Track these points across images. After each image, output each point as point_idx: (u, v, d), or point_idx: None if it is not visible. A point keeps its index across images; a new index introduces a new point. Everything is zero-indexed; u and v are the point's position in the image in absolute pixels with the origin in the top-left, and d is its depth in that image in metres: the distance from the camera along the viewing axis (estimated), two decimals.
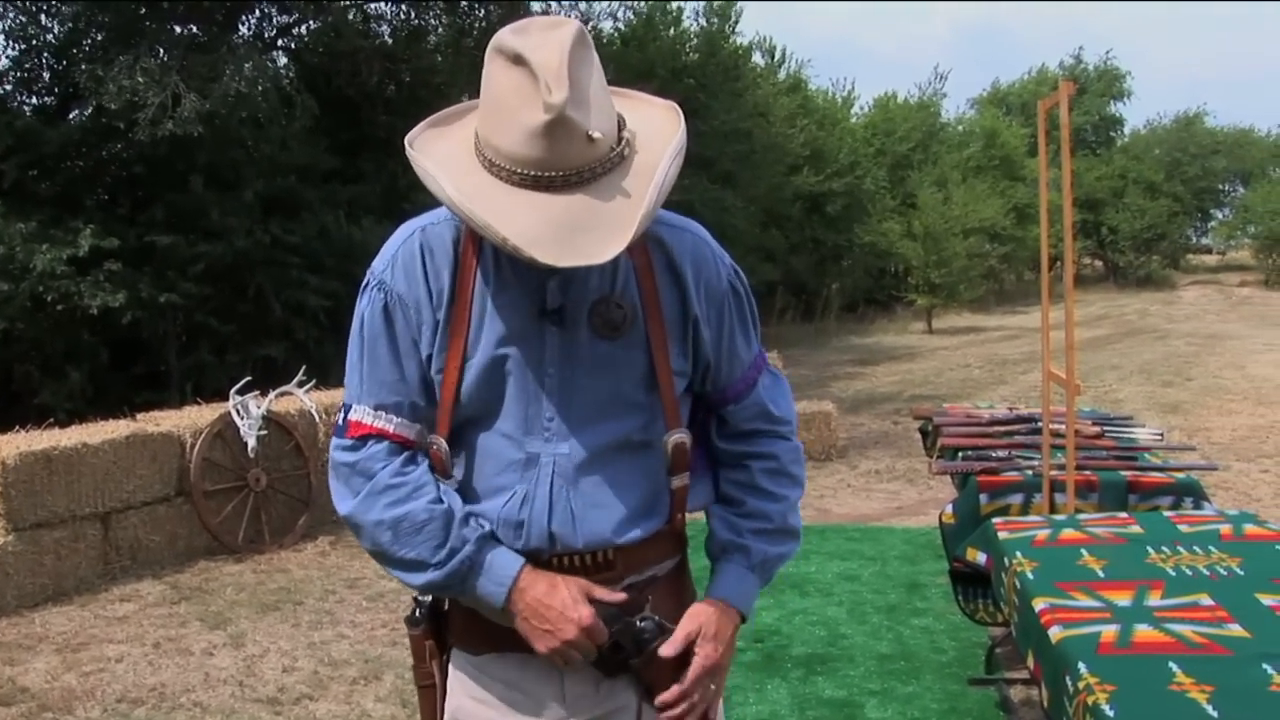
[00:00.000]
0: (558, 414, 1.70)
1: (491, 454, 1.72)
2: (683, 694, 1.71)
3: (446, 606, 1.86)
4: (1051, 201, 4.73)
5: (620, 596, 1.70)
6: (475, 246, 1.71)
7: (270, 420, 6.94)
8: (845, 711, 4.24)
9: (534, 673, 1.76)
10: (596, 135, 1.55)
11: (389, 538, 1.69)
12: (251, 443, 6.75)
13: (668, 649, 1.70)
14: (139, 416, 6.90)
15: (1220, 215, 41.95)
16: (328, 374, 8.95)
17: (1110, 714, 2.13)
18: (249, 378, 7.28)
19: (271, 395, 7.08)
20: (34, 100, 12.61)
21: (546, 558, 1.71)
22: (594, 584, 1.70)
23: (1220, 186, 42.04)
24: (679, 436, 1.75)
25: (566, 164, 1.55)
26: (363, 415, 1.73)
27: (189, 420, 6.78)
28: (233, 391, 6.93)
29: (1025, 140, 32.81)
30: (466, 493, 1.74)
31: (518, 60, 1.56)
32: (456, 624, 1.83)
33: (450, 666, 1.84)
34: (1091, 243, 35.66)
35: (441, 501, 1.69)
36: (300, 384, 7.31)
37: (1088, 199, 33.41)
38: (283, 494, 7.05)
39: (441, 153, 1.66)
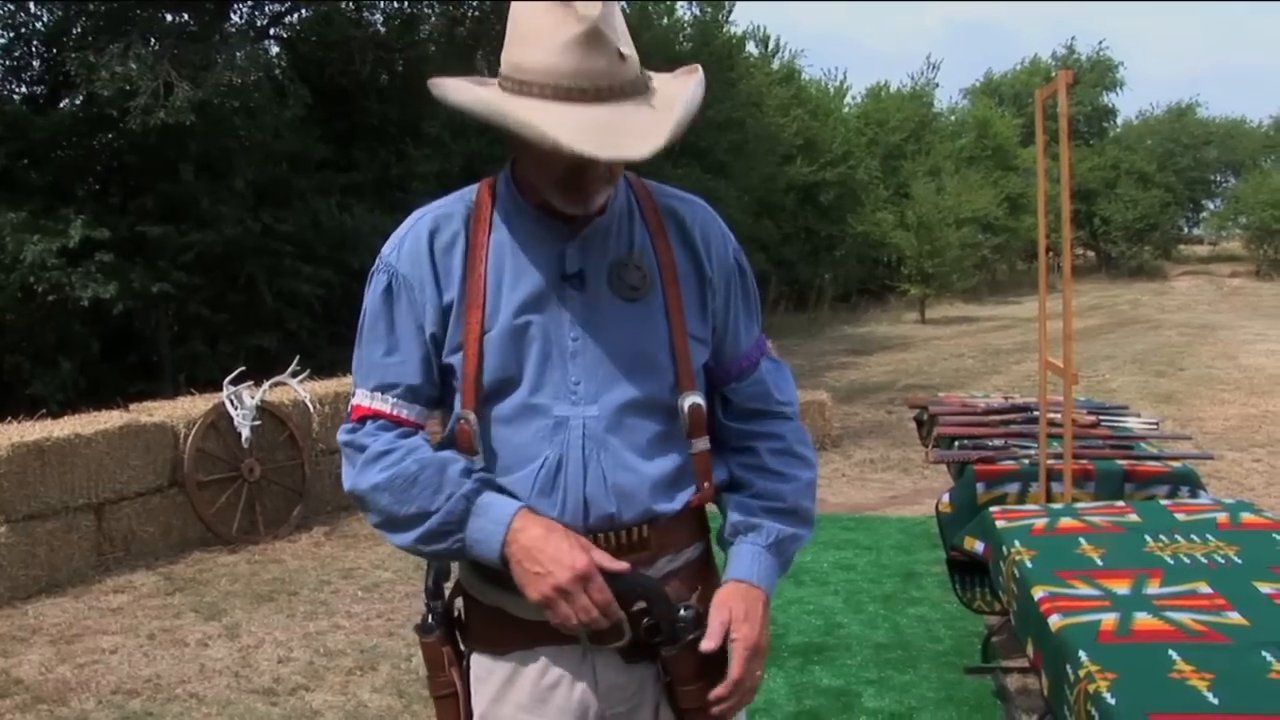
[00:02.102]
0: (584, 376, 1.69)
1: (520, 422, 1.70)
2: (735, 683, 1.69)
3: (462, 609, 1.82)
4: (1047, 191, 4.72)
5: (621, 565, 1.66)
6: (488, 220, 1.71)
7: (264, 410, 6.92)
8: (842, 700, 4.25)
9: (565, 665, 1.73)
10: (626, 52, 1.58)
11: (388, 499, 1.67)
12: (245, 433, 6.73)
13: (709, 642, 1.67)
14: (132, 407, 6.88)
15: (1212, 206, 42.14)
16: (321, 363, 8.94)
17: (1111, 702, 2.13)
18: (242, 368, 7.26)
19: (265, 385, 7.06)
20: (24, 89, 12.60)
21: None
22: (596, 547, 1.66)
23: (1212, 177, 42.17)
24: (694, 398, 1.74)
25: (600, 77, 1.56)
26: (361, 398, 1.74)
27: (182, 411, 6.75)
28: (226, 381, 6.91)
29: (1018, 130, 32.89)
30: (495, 466, 1.71)
31: None
32: (478, 627, 1.79)
33: (472, 673, 1.79)
34: (1084, 233, 35.75)
35: (432, 455, 1.69)
36: (294, 374, 7.29)
37: (1080, 189, 33.47)
38: (277, 484, 7.03)
39: (470, 88, 1.66)
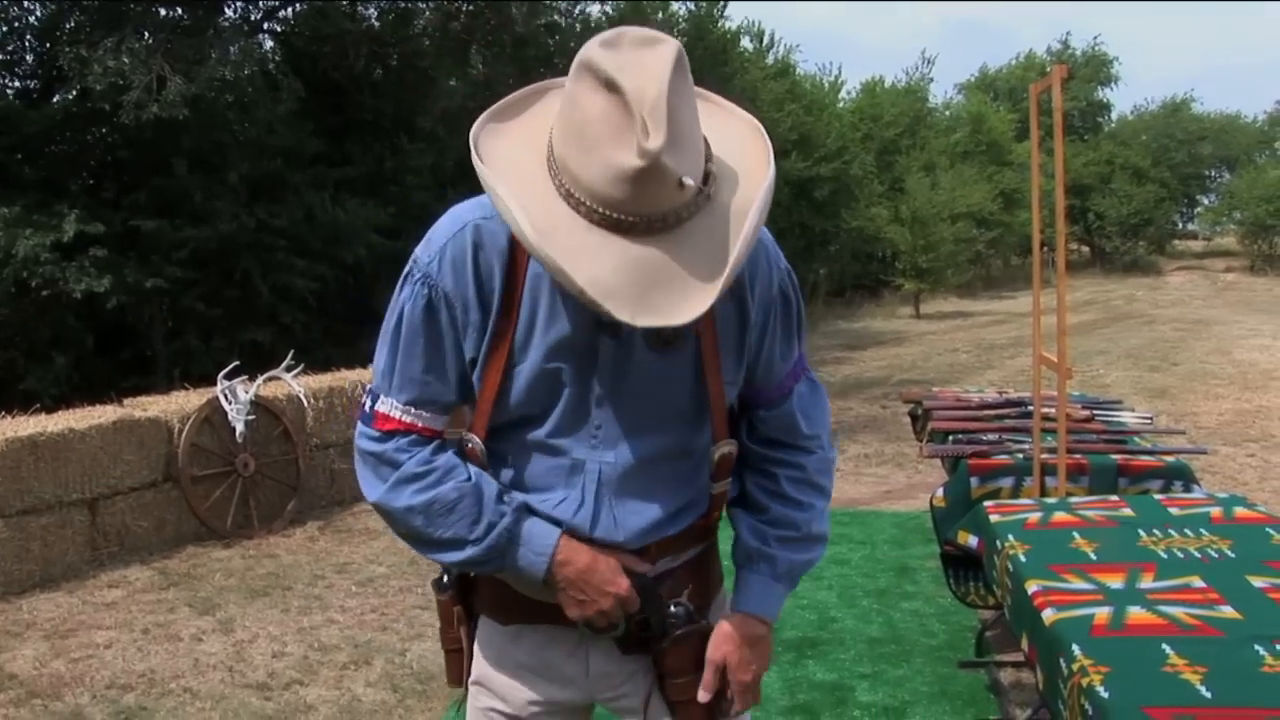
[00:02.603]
0: (606, 422, 1.68)
1: (536, 458, 1.71)
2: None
3: (474, 574, 1.85)
4: (1041, 186, 4.73)
5: (648, 567, 1.71)
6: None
7: (258, 405, 6.91)
8: (836, 694, 4.25)
9: (560, 647, 1.79)
10: (689, 183, 1.44)
11: (421, 521, 1.67)
12: (239, 428, 6.72)
13: (703, 694, 1.72)
14: (126, 402, 6.87)
15: (1206, 201, 42.13)
16: (315, 358, 8.93)
17: (1105, 695, 2.13)
18: (236, 362, 7.25)
19: (259, 380, 7.05)
20: (17, 83, 12.54)
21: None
22: (630, 558, 1.71)
23: (1207, 173, 42.20)
24: (727, 449, 1.76)
25: (652, 210, 1.45)
26: (390, 409, 1.69)
27: (176, 405, 6.74)
28: (220, 376, 6.90)
29: (1012, 125, 32.87)
30: (511, 481, 1.73)
31: (610, 86, 1.43)
32: (485, 593, 1.83)
33: (478, 634, 1.86)
34: (1078, 228, 35.76)
35: (470, 479, 1.68)
36: (288, 369, 7.28)
37: (1075, 184, 33.43)
38: (271, 479, 7.02)
39: (514, 168, 1.53)
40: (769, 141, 1.59)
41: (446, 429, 1.71)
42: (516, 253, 1.62)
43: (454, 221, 1.67)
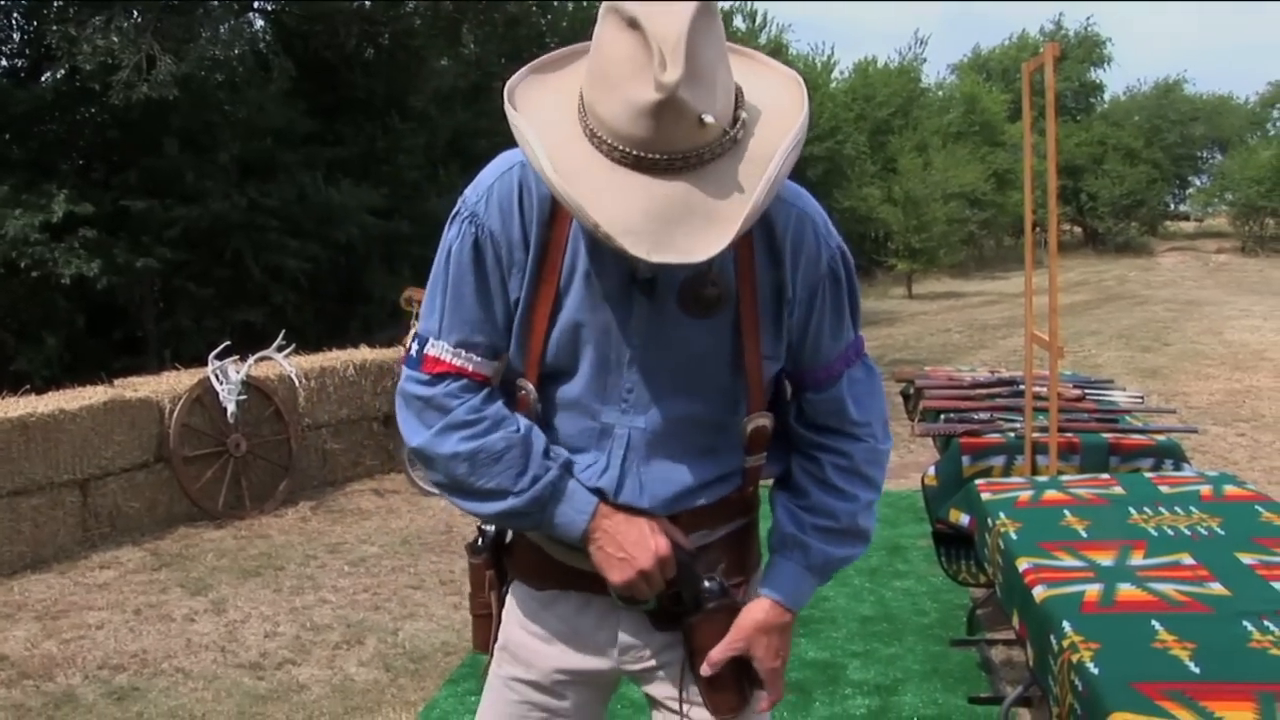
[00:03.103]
0: (638, 385, 1.66)
1: (569, 418, 1.69)
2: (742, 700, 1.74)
3: (509, 539, 1.85)
4: (1034, 166, 4.72)
5: (688, 541, 1.69)
6: None
7: (250, 385, 6.89)
8: (828, 673, 4.27)
9: (592, 616, 1.78)
10: (709, 120, 1.44)
11: (465, 469, 1.64)
12: (231, 408, 6.70)
13: (706, 669, 1.70)
14: (117, 383, 6.84)
15: (1198, 182, 42.20)
16: (307, 338, 8.91)
17: (1095, 671, 2.14)
18: (228, 342, 7.23)
19: (251, 360, 7.03)
20: (4, 62, 12.47)
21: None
22: (670, 525, 1.68)
23: (1199, 154, 42.26)
24: (760, 421, 1.71)
25: (672, 147, 1.44)
26: (441, 352, 1.66)
27: (167, 386, 6.73)
28: (211, 357, 6.88)
29: (1005, 106, 32.89)
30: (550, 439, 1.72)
31: (633, 24, 1.43)
32: (521, 557, 1.82)
33: (508, 598, 1.85)
34: (1071, 209, 35.81)
35: (519, 431, 1.66)
36: (280, 349, 7.27)
37: (1067, 165, 33.50)
38: (263, 459, 7.01)
39: (543, 112, 1.54)
40: (805, 90, 1.57)
41: (496, 376, 1.69)
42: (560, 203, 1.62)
43: (503, 163, 1.66)
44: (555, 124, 1.52)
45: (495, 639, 1.85)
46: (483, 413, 1.65)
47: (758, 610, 1.72)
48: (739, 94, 1.53)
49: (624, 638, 1.78)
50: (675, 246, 1.44)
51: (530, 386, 1.68)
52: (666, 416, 1.67)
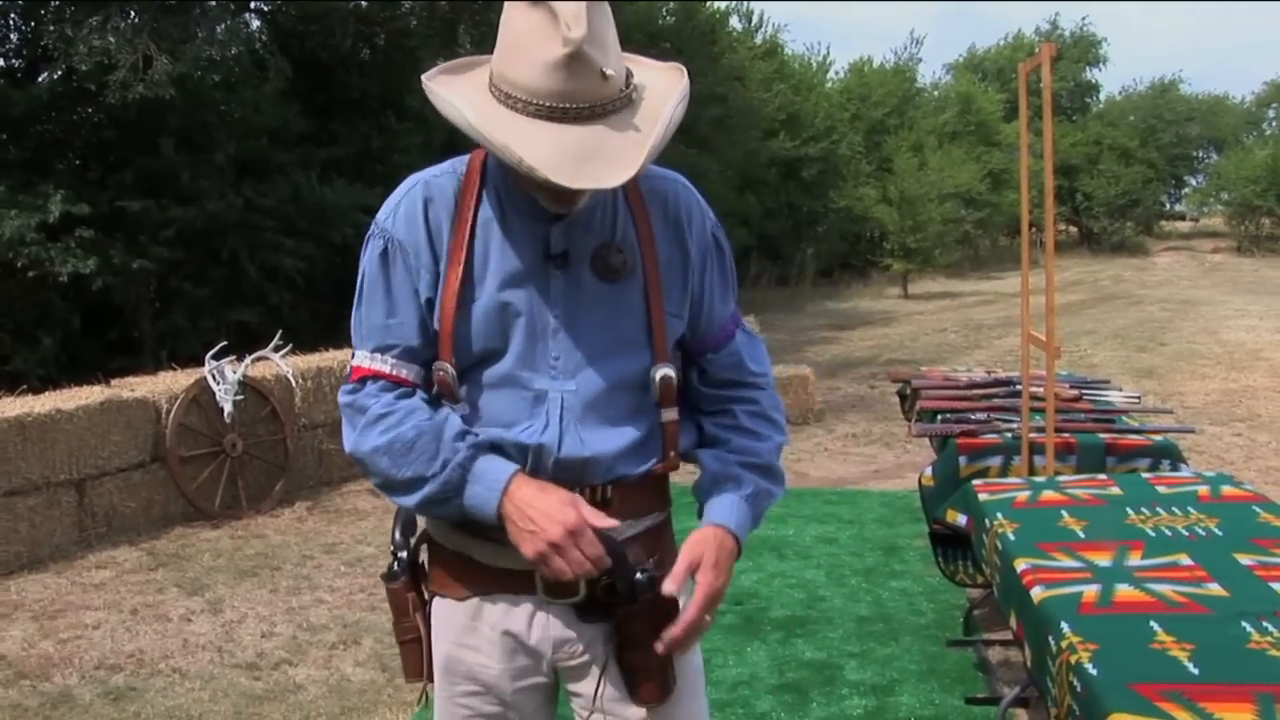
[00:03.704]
0: (564, 353, 1.76)
1: (502, 394, 1.76)
2: (689, 624, 1.75)
3: (424, 558, 1.89)
4: (1030, 166, 4.72)
5: (611, 522, 1.71)
6: (476, 197, 1.77)
7: (246, 385, 6.89)
8: (825, 673, 4.27)
9: (522, 616, 1.81)
10: (610, 73, 1.61)
11: (386, 462, 1.72)
12: (227, 408, 6.70)
13: (670, 585, 1.73)
14: (113, 382, 6.84)
15: (1194, 182, 42.29)
16: (303, 338, 8.89)
17: (1093, 672, 2.15)
18: (224, 343, 7.23)
19: (247, 360, 7.03)
20: (1, 62, 12.42)
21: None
22: (587, 505, 1.71)
23: (1194, 153, 42.32)
24: (666, 370, 1.81)
25: (581, 97, 1.61)
26: (361, 359, 1.78)
27: (164, 386, 6.72)
28: (208, 356, 6.87)
29: (1001, 106, 32.90)
30: (477, 421, 1.77)
31: (537, 1, 1.61)
32: (440, 571, 1.87)
33: (434, 617, 1.88)
34: (1066, 209, 35.83)
35: (430, 419, 1.73)
36: (276, 349, 7.26)
37: (1063, 165, 33.53)
38: (259, 459, 7.01)
39: (458, 87, 1.71)
40: (684, 71, 1.77)
41: (418, 380, 1.77)
42: (464, 200, 1.77)
43: (406, 183, 1.82)
44: (470, 95, 1.69)
45: (429, 662, 1.88)
46: (395, 406, 1.74)
47: (706, 532, 1.80)
48: (629, 73, 1.71)
49: (555, 633, 1.82)
50: (592, 175, 1.60)
51: (448, 366, 1.75)
52: (594, 378, 1.76)
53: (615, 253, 1.77)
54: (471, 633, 1.83)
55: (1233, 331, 15.00)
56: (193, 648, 4.70)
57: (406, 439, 1.71)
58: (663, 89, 1.72)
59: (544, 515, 1.66)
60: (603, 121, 1.63)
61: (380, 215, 1.80)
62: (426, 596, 1.89)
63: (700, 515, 1.85)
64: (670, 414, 1.83)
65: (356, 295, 1.80)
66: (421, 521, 1.90)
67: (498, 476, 1.70)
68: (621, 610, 1.73)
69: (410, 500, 1.74)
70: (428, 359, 1.77)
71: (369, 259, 1.78)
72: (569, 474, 1.74)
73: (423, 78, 1.73)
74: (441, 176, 1.79)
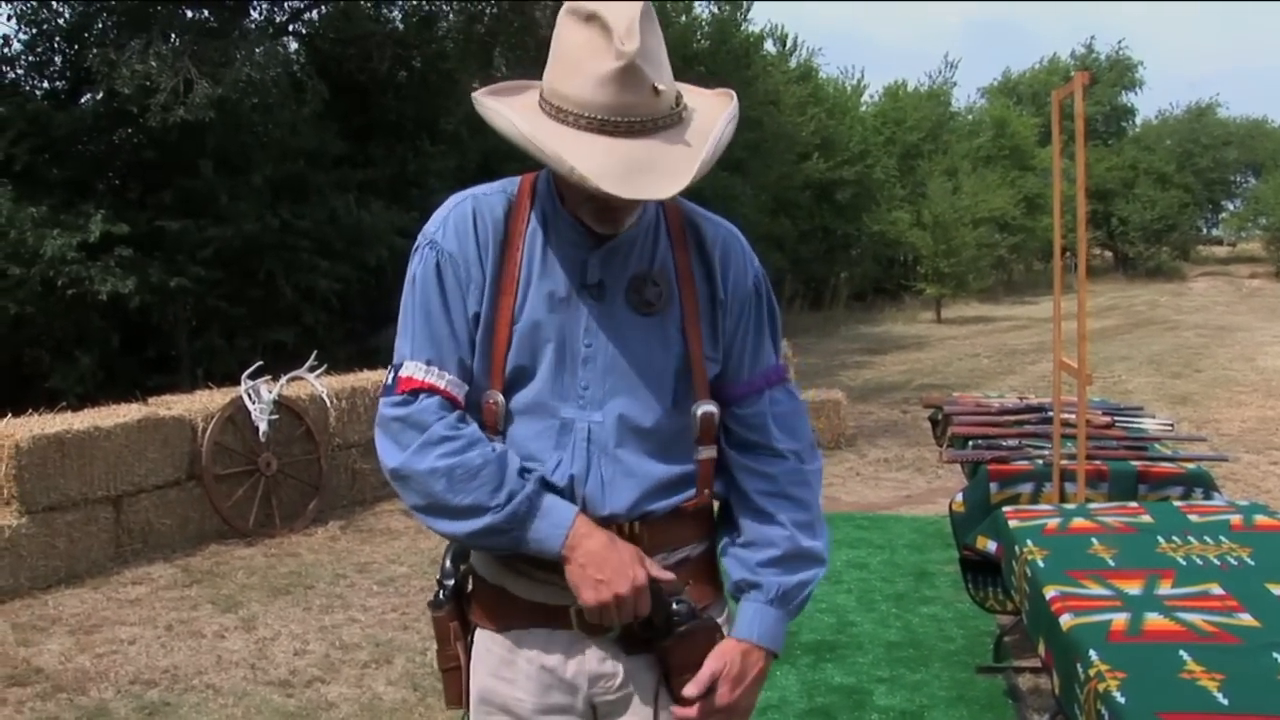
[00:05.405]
0: (593, 382, 1.75)
1: (531, 418, 1.75)
2: (704, 712, 1.74)
3: (470, 587, 1.88)
4: (1063, 191, 4.72)
5: (669, 575, 1.72)
6: (524, 219, 1.77)
7: (281, 405, 6.96)
8: (854, 698, 4.26)
9: (559, 649, 1.79)
10: (661, 87, 1.63)
11: (443, 485, 1.68)
12: (263, 427, 6.77)
13: (691, 688, 1.72)
14: (150, 400, 6.93)
15: (1231, 206, 41.97)
16: (338, 359, 8.98)
17: (1121, 701, 2.14)
18: (260, 362, 7.30)
19: (283, 380, 7.10)
20: (45, 85, 12.63)
21: None
22: (646, 555, 1.72)
23: (1232, 178, 41.99)
24: (708, 407, 1.79)
25: (633, 111, 1.62)
26: (414, 371, 1.73)
27: (200, 404, 6.80)
28: (244, 376, 6.95)
29: (1035, 130, 32.75)
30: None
31: (591, 18, 1.62)
32: (482, 602, 1.85)
33: (474, 648, 1.87)
34: (1101, 233, 35.63)
35: (494, 450, 1.71)
36: (311, 369, 7.33)
37: (1098, 189, 33.37)
38: (293, 478, 7.07)
39: (508, 103, 1.72)
40: (734, 95, 1.78)
41: (464, 400, 1.75)
42: (514, 221, 1.77)
43: (455, 198, 1.82)
44: (521, 109, 1.69)
45: (468, 692, 1.87)
46: (459, 430, 1.71)
47: (729, 645, 1.78)
48: (679, 93, 1.71)
49: (593, 667, 1.79)
50: (642, 187, 1.61)
51: (498, 396, 1.75)
52: (622, 412, 1.75)
53: (650, 285, 1.76)
54: (508, 665, 1.82)
55: (1270, 358, 14.85)
56: (226, 664, 4.75)
57: (472, 465, 1.68)
58: (713, 110, 1.73)
59: (615, 569, 1.67)
60: (654, 136, 1.64)
61: (429, 227, 1.79)
62: (470, 625, 1.88)
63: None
64: (708, 451, 1.81)
65: (404, 305, 1.77)
66: (472, 553, 1.89)
67: (564, 515, 1.69)
68: (662, 642, 1.73)
69: (458, 526, 1.70)
70: (471, 377, 1.76)
71: (421, 270, 1.76)
72: (593, 510, 1.73)
73: (473, 94, 1.74)
74: (491, 195, 1.80)
